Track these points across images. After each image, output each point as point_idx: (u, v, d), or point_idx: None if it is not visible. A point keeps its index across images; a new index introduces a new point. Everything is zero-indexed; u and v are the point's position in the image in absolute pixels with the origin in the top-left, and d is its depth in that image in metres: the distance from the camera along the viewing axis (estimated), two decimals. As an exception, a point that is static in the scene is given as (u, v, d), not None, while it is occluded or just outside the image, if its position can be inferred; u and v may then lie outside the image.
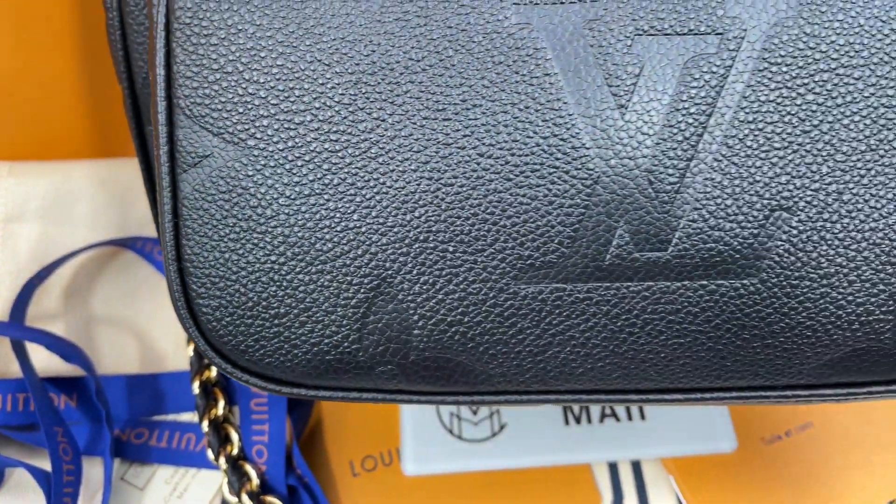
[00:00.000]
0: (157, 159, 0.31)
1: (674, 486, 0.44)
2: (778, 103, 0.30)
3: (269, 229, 0.31)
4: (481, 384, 0.32)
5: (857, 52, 0.30)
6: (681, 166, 0.30)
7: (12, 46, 0.48)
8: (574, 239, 0.30)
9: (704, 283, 0.31)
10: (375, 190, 0.30)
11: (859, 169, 0.30)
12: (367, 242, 0.31)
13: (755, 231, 0.30)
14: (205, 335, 0.32)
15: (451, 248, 0.31)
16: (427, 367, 0.32)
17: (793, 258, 0.30)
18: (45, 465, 0.42)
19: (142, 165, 0.39)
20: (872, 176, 0.30)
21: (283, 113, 0.30)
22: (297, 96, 0.30)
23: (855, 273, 0.31)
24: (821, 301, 0.31)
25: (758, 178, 0.30)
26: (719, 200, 0.30)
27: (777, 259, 0.30)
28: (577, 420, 0.46)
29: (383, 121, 0.30)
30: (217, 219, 0.31)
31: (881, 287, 0.31)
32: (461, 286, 0.31)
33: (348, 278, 0.31)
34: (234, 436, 0.43)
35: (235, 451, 0.43)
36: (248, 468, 0.43)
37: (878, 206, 0.30)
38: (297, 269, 0.31)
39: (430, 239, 0.31)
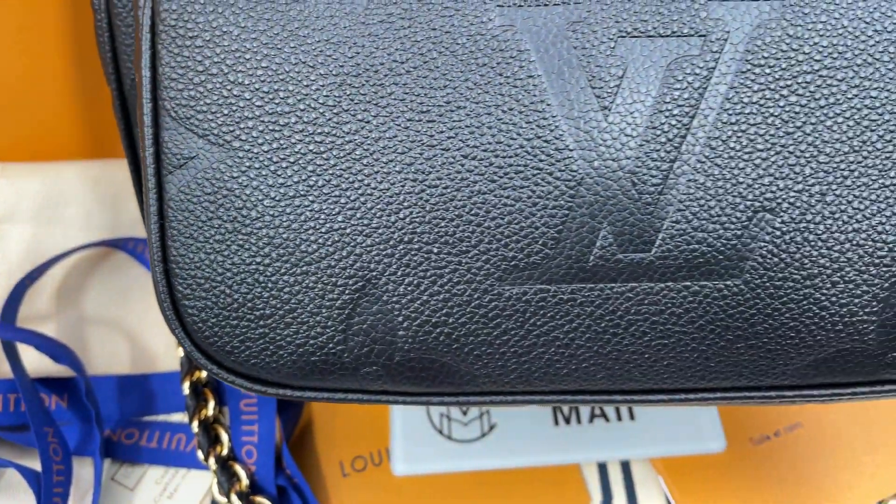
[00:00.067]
0: (142, 161, 0.31)
1: (663, 486, 0.44)
2: (761, 105, 0.30)
3: (255, 230, 0.31)
4: (466, 385, 0.33)
5: (840, 53, 0.30)
6: (664, 168, 0.30)
7: (4, 48, 0.48)
8: (558, 240, 0.30)
9: (688, 284, 0.31)
10: (360, 191, 0.31)
11: (843, 170, 0.30)
12: (352, 244, 0.31)
13: (738, 232, 0.30)
14: (191, 336, 0.32)
15: (435, 250, 0.31)
16: (412, 368, 0.32)
17: (776, 259, 0.31)
18: (36, 465, 0.42)
19: (131, 167, 0.39)
20: (856, 177, 0.30)
21: (267, 115, 0.30)
22: (282, 98, 0.30)
23: (838, 274, 0.31)
24: (804, 302, 0.31)
25: (741, 180, 0.30)
26: (703, 202, 0.30)
27: (760, 260, 0.31)
28: (567, 420, 0.46)
29: (368, 122, 0.30)
30: (202, 220, 0.31)
31: (865, 288, 0.31)
32: (446, 287, 0.31)
33: (333, 279, 0.31)
34: (224, 436, 0.44)
35: (225, 452, 0.43)
36: (238, 468, 0.43)
37: (862, 207, 0.30)
38: (282, 271, 0.31)
39: (415, 240, 0.31)
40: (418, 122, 0.30)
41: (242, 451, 0.43)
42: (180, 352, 0.45)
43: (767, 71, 0.30)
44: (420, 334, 0.31)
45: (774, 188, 0.30)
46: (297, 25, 0.30)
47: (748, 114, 0.30)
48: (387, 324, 0.31)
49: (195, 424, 0.43)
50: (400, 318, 0.31)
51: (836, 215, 0.30)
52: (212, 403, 0.44)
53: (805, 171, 0.30)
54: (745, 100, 0.30)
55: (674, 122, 0.30)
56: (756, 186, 0.30)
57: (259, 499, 0.42)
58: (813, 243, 0.30)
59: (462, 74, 0.30)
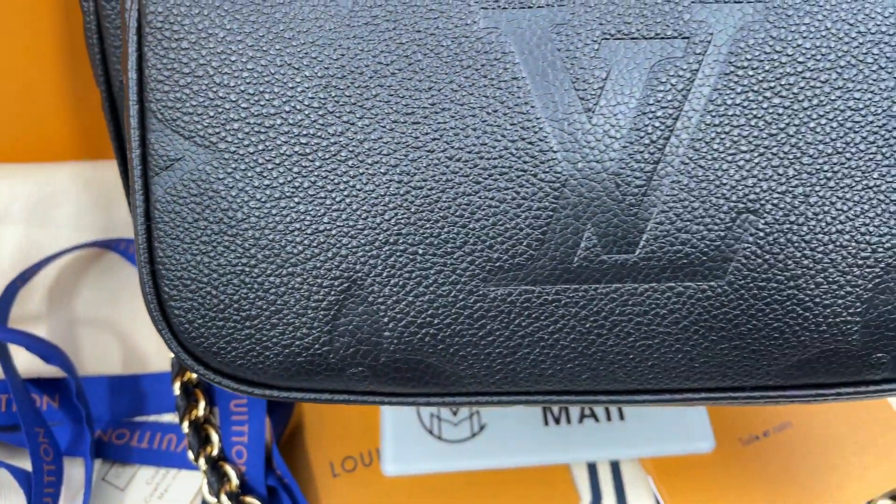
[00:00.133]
0: (129, 162, 0.32)
1: (652, 486, 0.44)
2: (744, 107, 0.30)
3: (240, 232, 0.31)
4: (452, 385, 0.33)
5: (823, 55, 0.30)
6: (648, 169, 0.30)
7: (-5, 49, 0.48)
8: (542, 241, 0.31)
9: (672, 284, 0.31)
10: (345, 193, 0.31)
11: (826, 171, 0.30)
12: (338, 245, 0.31)
13: (722, 233, 0.30)
14: (177, 337, 0.32)
15: (420, 251, 0.31)
16: (398, 369, 0.32)
17: (759, 260, 0.31)
18: (27, 465, 0.43)
19: (120, 168, 0.39)
20: (839, 179, 0.30)
21: (253, 116, 0.31)
22: (268, 100, 0.31)
23: (822, 275, 0.31)
24: (788, 303, 0.31)
25: (725, 181, 0.30)
26: (686, 203, 0.30)
27: (744, 261, 0.31)
28: (557, 420, 0.46)
29: (353, 124, 0.31)
30: (189, 221, 0.31)
31: (848, 289, 0.31)
32: (431, 288, 0.31)
33: (319, 280, 0.31)
34: (215, 436, 0.44)
35: (215, 452, 0.43)
36: (228, 469, 0.43)
37: (845, 208, 0.30)
38: (268, 272, 0.31)
39: (400, 241, 0.31)
40: (403, 124, 0.30)
41: (232, 452, 0.44)
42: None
43: (751, 73, 0.30)
44: (405, 335, 0.32)
45: (758, 189, 0.30)
46: (282, 28, 0.31)
47: (731, 115, 0.30)
48: (372, 325, 0.31)
49: (185, 425, 0.43)
50: (385, 319, 0.31)
51: (820, 216, 0.30)
52: (202, 404, 0.44)
53: (788, 172, 0.30)
54: (729, 102, 0.30)
55: (657, 124, 0.30)
56: (739, 188, 0.30)
57: (249, 499, 0.42)
58: (796, 244, 0.31)
59: (447, 76, 0.30)
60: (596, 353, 0.32)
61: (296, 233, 0.31)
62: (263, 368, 0.32)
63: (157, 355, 0.48)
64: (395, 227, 0.31)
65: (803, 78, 0.30)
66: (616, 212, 0.30)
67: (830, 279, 0.31)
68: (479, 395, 0.33)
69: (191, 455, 0.43)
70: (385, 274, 0.31)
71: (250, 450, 0.43)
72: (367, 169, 0.31)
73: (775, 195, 0.30)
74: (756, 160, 0.30)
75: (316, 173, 0.31)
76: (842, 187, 0.30)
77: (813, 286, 0.31)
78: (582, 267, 0.31)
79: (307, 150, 0.31)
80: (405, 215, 0.31)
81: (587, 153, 0.30)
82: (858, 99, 0.30)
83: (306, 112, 0.31)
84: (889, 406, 0.47)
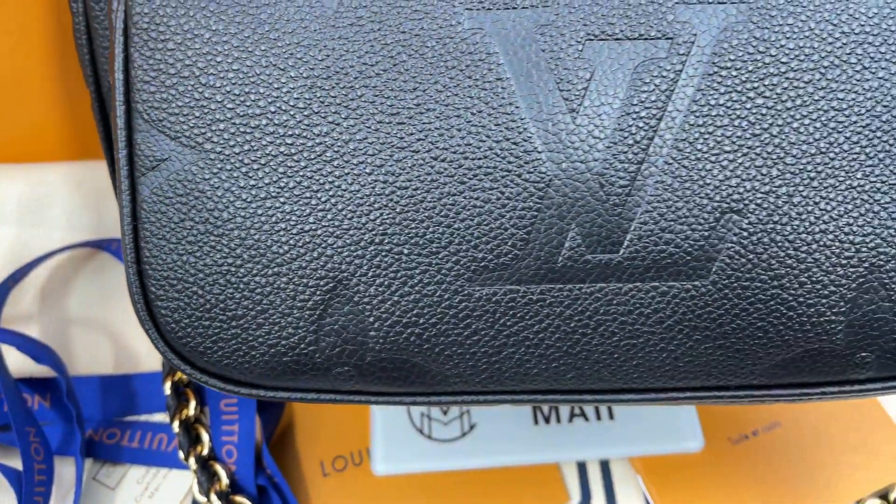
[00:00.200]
0: (116, 163, 0.32)
1: (641, 485, 0.44)
2: (728, 107, 0.30)
3: (226, 232, 0.31)
4: (438, 385, 0.33)
5: (806, 55, 0.30)
6: (632, 169, 0.30)
7: (-13, 50, 0.48)
8: (527, 241, 0.31)
9: (656, 284, 0.31)
10: (330, 193, 0.31)
11: (809, 171, 0.30)
12: (323, 245, 0.31)
13: (706, 233, 0.31)
14: (164, 337, 0.32)
15: (406, 251, 0.31)
16: (383, 369, 0.32)
17: (743, 260, 0.31)
18: (18, 464, 0.43)
19: (110, 168, 0.39)
20: (822, 179, 0.31)
21: (238, 117, 0.31)
22: (253, 100, 0.31)
23: (806, 275, 0.31)
24: (772, 302, 0.31)
25: (708, 181, 0.30)
26: (670, 203, 0.30)
27: (728, 261, 0.31)
28: (547, 420, 0.46)
29: (338, 124, 0.31)
30: (175, 222, 0.31)
31: (832, 289, 0.31)
32: (416, 288, 0.31)
33: (304, 280, 0.31)
34: (205, 436, 0.44)
35: (206, 452, 0.43)
36: (218, 468, 0.43)
37: (829, 208, 0.31)
38: (254, 272, 0.31)
39: (386, 241, 0.31)
40: (388, 125, 0.31)
41: (223, 451, 0.44)
42: (162, 352, 0.45)
43: (734, 73, 0.30)
44: (391, 335, 0.32)
45: (741, 189, 0.30)
46: (267, 28, 0.31)
47: (715, 116, 0.30)
48: (358, 324, 0.32)
49: (176, 424, 0.43)
50: (371, 319, 0.32)
51: (803, 216, 0.31)
52: (193, 403, 0.44)
53: (772, 172, 0.30)
54: (712, 102, 0.30)
55: (641, 125, 0.30)
56: (723, 188, 0.30)
57: (239, 498, 0.42)
58: (780, 244, 0.31)
59: (431, 77, 0.31)
60: (581, 353, 0.32)
61: (281, 233, 0.31)
62: (249, 368, 0.32)
63: (148, 355, 0.48)
64: (381, 227, 0.31)
65: (787, 78, 0.30)
66: (600, 212, 0.30)
67: (814, 279, 0.31)
68: (464, 394, 0.33)
69: (181, 454, 0.43)
70: (370, 274, 0.31)
71: (240, 449, 0.43)
72: (352, 169, 0.31)
73: (759, 195, 0.30)
74: (740, 160, 0.30)
75: (301, 173, 0.31)
76: (825, 187, 0.31)
77: (797, 286, 0.31)
78: (566, 267, 0.31)
79: (292, 151, 0.31)
80: (390, 215, 0.31)
81: (571, 153, 0.30)
82: (842, 99, 0.30)
83: (292, 112, 0.31)
84: (878, 405, 0.47)
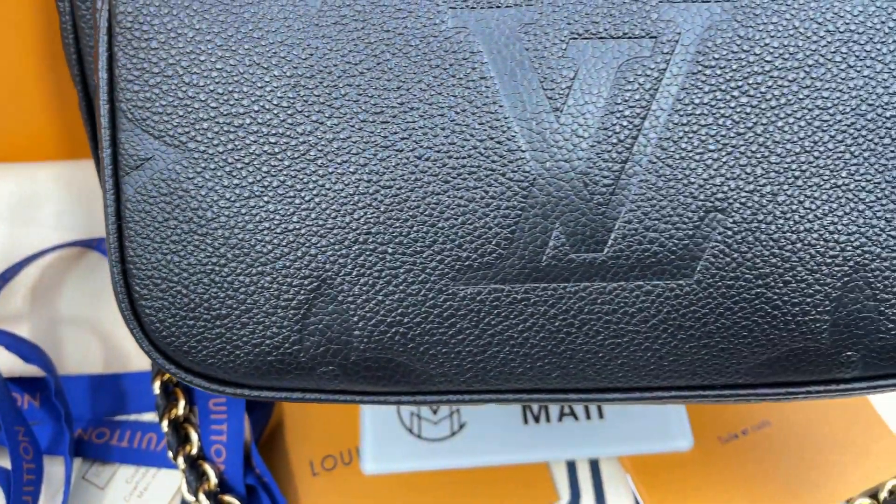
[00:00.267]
0: (101, 162, 0.32)
1: (631, 484, 0.44)
2: (712, 106, 0.30)
3: (210, 231, 0.31)
4: (422, 384, 0.33)
5: (791, 54, 0.30)
6: (616, 168, 0.30)
7: (-23, 49, 0.48)
8: (511, 240, 0.31)
9: (640, 283, 0.31)
10: (314, 192, 0.31)
11: (794, 170, 0.30)
12: (307, 244, 0.31)
13: (690, 232, 0.30)
14: (148, 336, 0.32)
15: (390, 250, 0.31)
16: (368, 368, 0.32)
17: (727, 259, 0.31)
18: (7, 464, 0.43)
19: (97, 167, 0.39)
20: (807, 178, 0.30)
21: (222, 116, 0.31)
22: (237, 99, 0.31)
23: (790, 274, 0.31)
24: (756, 301, 0.31)
25: (692, 180, 0.30)
26: (654, 202, 0.30)
27: (712, 260, 0.31)
28: (536, 419, 0.46)
29: (321, 123, 0.31)
30: (159, 221, 0.31)
31: (817, 287, 0.31)
32: (400, 287, 0.31)
33: (288, 280, 0.31)
34: (194, 435, 0.44)
35: (194, 451, 0.43)
36: (207, 467, 0.43)
37: (813, 207, 0.31)
38: (238, 271, 0.31)
39: (370, 240, 0.31)
40: (372, 124, 0.31)
41: (211, 451, 0.44)
42: (152, 351, 0.45)
43: (718, 72, 0.30)
44: (375, 334, 0.32)
45: (726, 188, 0.30)
46: (251, 27, 0.31)
47: (699, 115, 0.30)
48: (342, 324, 0.32)
49: (165, 424, 0.43)
50: (355, 318, 0.31)
51: (788, 215, 0.31)
52: (182, 403, 0.44)
53: (756, 171, 0.30)
54: (697, 101, 0.30)
55: (625, 123, 0.30)
56: (707, 187, 0.30)
57: (228, 498, 0.42)
58: (764, 243, 0.31)
59: (415, 76, 0.30)
60: (565, 352, 0.32)
61: (265, 232, 0.31)
62: (234, 367, 0.32)
63: (137, 355, 0.48)
64: (365, 227, 0.31)
65: (771, 77, 0.30)
66: (584, 211, 0.30)
67: (799, 278, 0.31)
68: (449, 393, 0.33)
69: (170, 454, 0.43)
70: (355, 273, 0.31)
71: (229, 449, 0.43)
72: (336, 168, 0.31)
73: (743, 194, 0.30)
74: (724, 159, 0.30)
75: (285, 172, 0.31)
76: (810, 186, 0.30)
77: (781, 285, 0.31)
78: (550, 266, 0.31)
79: (276, 150, 0.31)
80: (374, 214, 0.31)
81: (555, 152, 0.30)
82: (827, 98, 0.30)
83: (275, 111, 0.31)
84: (868, 404, 0.47)
